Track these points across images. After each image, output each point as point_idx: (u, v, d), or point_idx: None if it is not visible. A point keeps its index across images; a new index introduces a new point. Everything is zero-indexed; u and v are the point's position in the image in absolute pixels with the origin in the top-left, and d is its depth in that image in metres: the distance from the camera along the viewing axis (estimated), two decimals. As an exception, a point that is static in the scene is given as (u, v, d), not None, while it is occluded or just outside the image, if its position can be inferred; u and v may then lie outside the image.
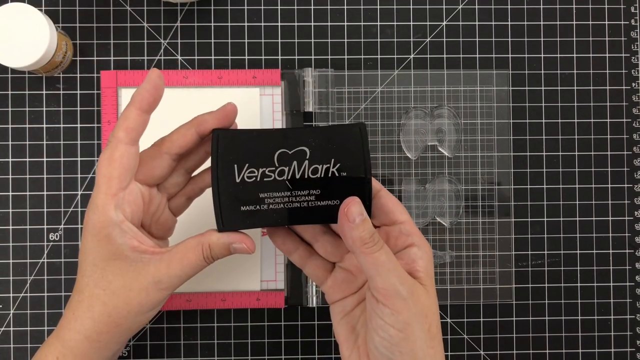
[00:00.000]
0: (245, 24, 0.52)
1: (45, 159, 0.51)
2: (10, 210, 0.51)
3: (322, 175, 0.37)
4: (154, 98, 0.37)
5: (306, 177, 0.37)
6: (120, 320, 0.36)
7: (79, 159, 0.51)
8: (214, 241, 0.37)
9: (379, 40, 0.52)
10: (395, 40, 0.53)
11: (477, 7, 0.53)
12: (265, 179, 0.37)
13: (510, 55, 0.53)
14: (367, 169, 0.37)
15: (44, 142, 0.51)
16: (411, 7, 0.53)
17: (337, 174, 0.37)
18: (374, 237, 0.34)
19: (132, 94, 0.37)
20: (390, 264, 0.34)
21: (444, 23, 0.53)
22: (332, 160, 0.37)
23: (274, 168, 0.37)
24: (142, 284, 0.35)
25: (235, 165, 0.37)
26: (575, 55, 0.53)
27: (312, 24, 0.52)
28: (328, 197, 0.37)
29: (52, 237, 0.51)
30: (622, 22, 0.53)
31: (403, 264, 0.36)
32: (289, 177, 0.37)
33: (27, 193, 0.51)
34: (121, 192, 0.36)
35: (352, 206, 0.35)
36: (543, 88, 0.53)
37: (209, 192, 0.38)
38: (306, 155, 0.37)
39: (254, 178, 0.37)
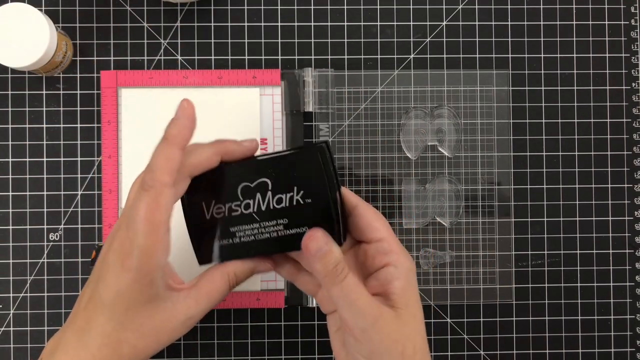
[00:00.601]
0: (245, 24, 0.52)
1: (45, 159, 0.51)
2: (10, 210, 0.51)
3: (287, 205, 0.36)
4: (192, 132, 0.36)
5: (272, 207, 0.37)
6: (147, 354, 0.35)
7: (79, 159, 0.51)
8: (240, 269, 0.37)
9: (379, 40, 0.52)
10: (395, 40, 0.53)
11: (477, 7, 0.53)
12: (233, 214, 0.37)
13: (510, 55, 0.53)
14: (331, 192, 0.36)
15: (44, 142, 0.51)
16: (411, 7, 0.53)
17: (302, 202, 0.36)
18: (337, 268, 0.34)
19: (168, 129, 0.35)
20: (353, 295, 0.34)
21: (444, 23, 0.53)
22: (295, 187, 0.36)
23: (239, 202, 0.37)
24: (173, 324, 0.35)
25: (204, 203, 0.37)
26: (575, 55, 0.53)
27: (312, 24, 0.52)
28: (296, 225, 0.36)
29: (52, 237, 0.51)
30: (622, 22, 0.53)
31: (378, 285, 0.35)
32: (255, 210, 0.37)
33: (27, 193, 0.51)
34: (167, 235, 0.34)
35: (311, 242, 0.34)
36: (543, 88, 0.53)
37: None
38: (268, 186, 0.37)
39: (222, 214, 0.37)
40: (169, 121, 0.36)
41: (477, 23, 0.53)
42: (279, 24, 0.52)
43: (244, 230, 0.37)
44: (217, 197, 0.37)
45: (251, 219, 0.37)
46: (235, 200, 0.37)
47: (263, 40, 0.52)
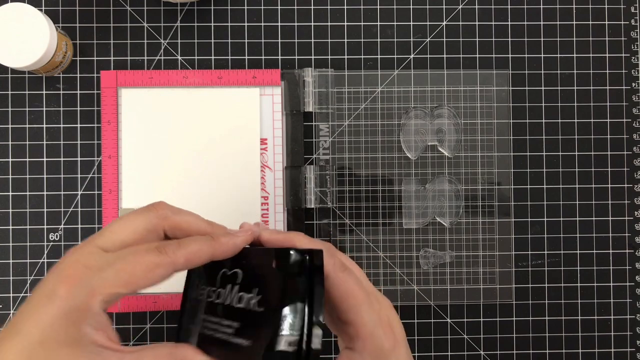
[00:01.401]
0: (245, 24, 0.52)
1: (45, 159, 0.51)
2: (10, 210, 0.51)
3: (244, 306, 0.31)
4: (237, 251, 0.33)
5: (233, 305, 0.31)
6: None
7: (79, 159, 0.51)
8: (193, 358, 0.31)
9: (379, 40, 0.52)
10: (395, 40, 0.53)
11: (477, 7, 0.53)
12: (208, 299, 0.33)
13: (510, 55, 0.53)
14: (283, 309, 0.29)
15: (44, 142, 0.51)
16: (411, 7, 0.53)
17: (256, 308, 0.30)
18: None
19: (222, 236, 0.32)
20: None
21: (444, 23, 0.53)
22: (256, 290, 0.30)
23: (215, 288, 0.33)
24: None
25: (197, 280, 0.34)
26: (575, 55, 0.53)
27: (312, 24, 0.52)
28: (244, 334, 0.30)
29: (52, 237, 0.51)
30: (622, 22, 0.53)
31: None
32: (221, 302, 0.32)
33: (27, 193, 0.51)
34: (121, 296, 0.31)
35: None
36: (543, 88, 0.53)
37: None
38: (238, 279, 0.32)
39: (202, 296, 0.33)
40: (224, 230, 0.33)
41: (477, 23, 0.53)
42: (279, 24, 0.52)
43: (209, 321, 0.32)
44: (204, 277, 0.34)
45: (215, 312, 0.32)
46: (213, 285, 0.33)
47: (263, 40, 0.52)
